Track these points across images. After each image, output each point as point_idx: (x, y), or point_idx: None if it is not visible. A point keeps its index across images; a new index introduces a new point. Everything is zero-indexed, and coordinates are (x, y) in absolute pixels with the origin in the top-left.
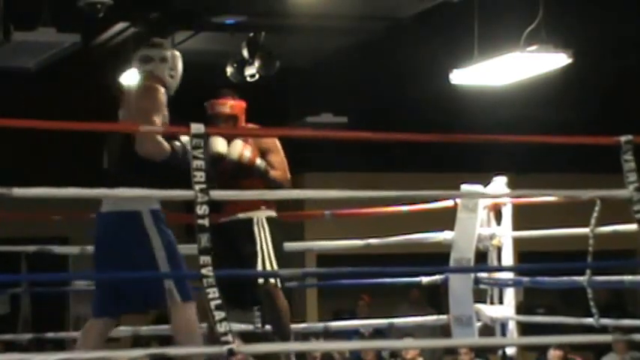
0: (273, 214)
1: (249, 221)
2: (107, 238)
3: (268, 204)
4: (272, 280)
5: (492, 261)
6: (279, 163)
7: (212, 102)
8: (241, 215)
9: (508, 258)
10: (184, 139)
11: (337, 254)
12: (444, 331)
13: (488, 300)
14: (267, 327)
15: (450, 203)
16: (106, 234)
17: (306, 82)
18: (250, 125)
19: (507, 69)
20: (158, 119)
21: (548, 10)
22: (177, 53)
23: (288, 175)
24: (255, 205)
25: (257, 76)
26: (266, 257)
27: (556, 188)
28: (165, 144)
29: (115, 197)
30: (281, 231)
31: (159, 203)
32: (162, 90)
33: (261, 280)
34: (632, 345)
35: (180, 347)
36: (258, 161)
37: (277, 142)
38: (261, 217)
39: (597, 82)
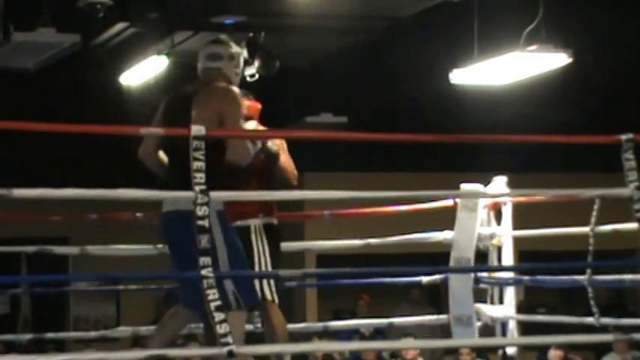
0: (272, 221)
1: (247, 229)
2: (173, 237)
3: (266, 211)
4: (268, 297)
5: (492, 260)
6: (287, 160)
7: None
8: (239, 223)
9: (508, 257)
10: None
11: (337, 254)
12: (444, 330)
13: (489, 299)
14: None
15: (449, 203)
16: (172, 233)
17: (306, 82)
18: (260, 126)
19: (507, 69)
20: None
21: (548, 9)
22: (240, 50)
23: (296, 172)
24: (252, 213)
25: (257, 76)
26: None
27: (556, 188)
28: (251, 149)
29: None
30: (279, 240)
31: (223, 204)
32: (239, 92)
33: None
34: (633, 344)
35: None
36: (270, 143)
37: (284, 143)
38: (258, 224)
39: (597, 82)
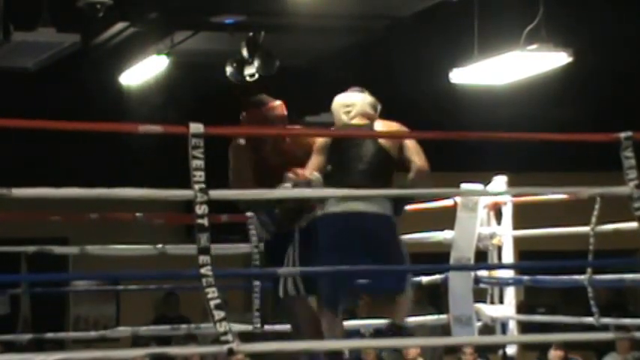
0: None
1: None
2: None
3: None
4: (292, 292)
5: (493, 260)
6: None
7: (268, 106)
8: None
9: (508, 257)
10: None
11: None
12: (445, 330)
13: (489, 299)
14: (267, 327)
15: (449, 202)
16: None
17: (306, 82)
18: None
19: (507, 68)
20: None
21: (548, 8)
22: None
23: None
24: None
25: (256, 76)
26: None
27: (556, 187)
28: None
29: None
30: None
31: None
32: None
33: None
34: (635, 344)
35: None
36: None
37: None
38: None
39: (597, 82)
